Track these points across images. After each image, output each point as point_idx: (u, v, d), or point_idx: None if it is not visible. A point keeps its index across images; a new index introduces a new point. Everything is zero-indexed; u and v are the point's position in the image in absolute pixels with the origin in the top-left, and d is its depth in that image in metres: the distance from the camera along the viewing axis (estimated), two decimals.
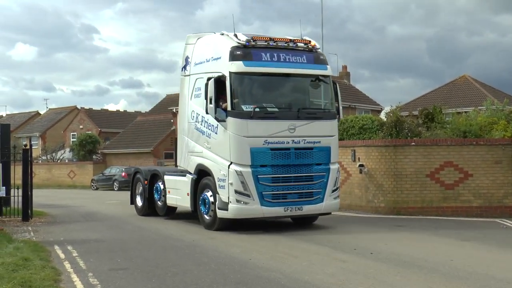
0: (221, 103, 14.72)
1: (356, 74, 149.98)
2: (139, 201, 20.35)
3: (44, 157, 60.95)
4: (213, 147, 15.15)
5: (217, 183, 14.87)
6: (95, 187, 45.25)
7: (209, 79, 14.79)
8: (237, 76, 14.56)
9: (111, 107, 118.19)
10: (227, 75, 14.51)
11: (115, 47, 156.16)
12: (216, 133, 14.98)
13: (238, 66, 14.56)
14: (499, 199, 19.38)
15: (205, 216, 15.70)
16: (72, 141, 61.73)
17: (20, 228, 17.04)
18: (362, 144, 20.98)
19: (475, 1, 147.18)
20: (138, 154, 51.69)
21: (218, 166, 14.83)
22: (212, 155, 15.16)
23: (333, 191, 15.43)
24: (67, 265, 11.04)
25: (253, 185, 14.29)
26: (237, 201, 14.33)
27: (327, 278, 9.50)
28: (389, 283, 9.14)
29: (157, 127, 54.19)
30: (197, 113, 16.04)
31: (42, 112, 79.80)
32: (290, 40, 15.38)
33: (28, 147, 19.89)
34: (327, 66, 15.87)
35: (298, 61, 15.21)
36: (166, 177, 18.25)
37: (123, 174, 42.91)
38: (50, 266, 10.67)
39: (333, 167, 15.47)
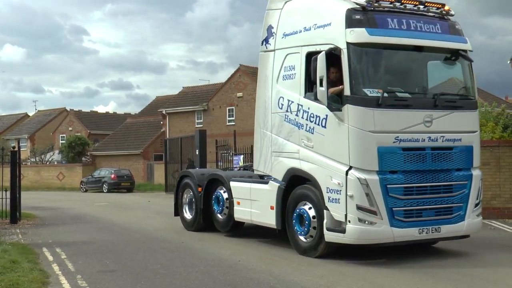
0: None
1: None
2: (187, 213, 16.27)
3: (33, 159, 60.65)
4: (317, 145, 11.24)
5: (325, 194, 10.92)
6: (84, 189, 45.07)
7: (310, 54, 11.41)
8: (358, 48, 10.81)
9: (101, 109, 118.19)
10: (343, 47, 10.72)
11: (105, 49, 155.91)
12: (323, 126, 11.08)
13: (360, 35, 10.76)
14: (487, 200, 19.40)
15: (301, 237, 11.70)
16: (61, 143, 61.50)
17: (8, 230, 16.93)
18: None
19: (464, 3, 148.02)
20: (127, 156, 51.56)
21: (328, 171, 10.94)
22: (317, 156, 11.23)
23: (476, 205, 11.65)
24: (56, 267, 10.98)
25: (381, 198, 10.53)
26: (360, 220, 10.48)
27: (316, 279, 9.50)
28: (378, 283, 9.15)
29: (147, 129, 54.10)
30: (289, 100, 12.06)
31: (31, 114, 79.50)
32: (420, 2, 11.60)
33: (16, 149, 19.79)
34: (466, 38, 11.99)
35: (431, 30, 11.52)
36: (233, 184, 14.10)
37: (113, 176, 42.82)
38: (38, 269, 10.60)
39: (476, 173, 11.68)
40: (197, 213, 15.63)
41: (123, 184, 43.10)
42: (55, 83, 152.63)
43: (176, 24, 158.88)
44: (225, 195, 14.50)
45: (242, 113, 45.40)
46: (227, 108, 46.49)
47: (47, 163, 58.42)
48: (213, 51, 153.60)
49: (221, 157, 28.75)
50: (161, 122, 52.55)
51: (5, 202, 19.04)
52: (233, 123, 45.17)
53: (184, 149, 36.34)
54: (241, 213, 13.76)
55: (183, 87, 55.08)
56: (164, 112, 51.35)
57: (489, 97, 47.31)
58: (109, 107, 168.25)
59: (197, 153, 32.25)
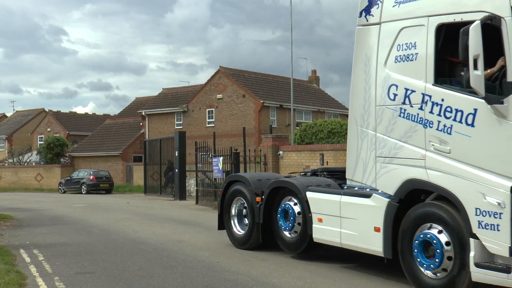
0: (461, 72, 8.28)
1: (326, 78, 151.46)
2: (237, 227, 13.37)
3: (10, 160, 60.10)
4: (459, 150, 8.30)
5: (472, 217, 7.92)
6: (62, 191, 44.76)
7: (443, 26, 8.62)
8: None
9: (80, 110, 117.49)
10: (507, 15, 7.74)
11: (84, 49, 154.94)
12: (470, 124, 8.16)
13: None
14: None
15: (427, 272, 8.57)
16: (40, 144, 61.02)
17: None
18: (331, 148, 21.17)
19: None
20: (106, 157, 51.31)
21: (477, 186, 7.95)
22: (457, 164, 8.25)
23: None
24: (33, 269, 10.92)
25: None
26: None
27: (294, 281, 9.56)
28: (355, 285, 9.24)
29: (126, 130, 53.88)
30: (406, 89, 9.12)
31: (8, 114, 78.77)
32: None
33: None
34: None
35: None
36: (312, 195, 11.03)
37: (91, 177, 42.59)
38: (15, 270, 10.54)
39: None
40: (253, 229, 12.64)
41: (101, 186, 42.90)
42: (33, 83, 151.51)
43: (156, 25, 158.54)
44: (297, 209, 11.45)
45: (221, 115, 45.43)
46: (207, 110, 46.48)
47: (25, 164, 57.93)
48: (193, 53, 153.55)
49: (200, 158, 28.76)
50: (141, 124, 52.38)
51: None
52: (213, 125, 45.18)
53: (164, 150, 36.31)
54: (324, 233, 10.73)
55: (162, 89, 54.96)
56: (143, 114, 51.19)
57: None
58: (88, 108, 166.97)
59: (176, 154, 32.33)
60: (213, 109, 46.09)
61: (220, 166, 25.17)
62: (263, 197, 12.32)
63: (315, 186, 11.25)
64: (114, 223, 19.03)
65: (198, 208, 25.73)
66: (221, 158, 25.23)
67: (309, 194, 11.06)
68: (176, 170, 31.97)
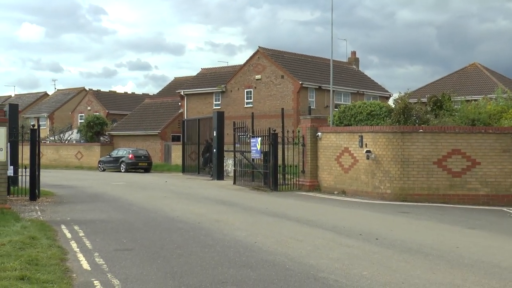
0: None
1: (365, 60, 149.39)
2: None
3: (51, 138, 61.11)
4: None
5: None
6: (102, 169, 45.41)
7: None
8: None
9: (119, 89, 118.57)
10: None
11: (123, 29, 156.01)
12: None
13: None
14: (507, 187, 19.32)
15: None
16: (80, 123, 61.83)
17: (28, 207, 17.14)
18: (370, 130, 20.93)
19: None
20: (145, 137, 51.77)
21: None
22: None
23: None
24: (74, 244, 11.11)
25: None
26: None
27: (331, 262, 9.51)
28: (393, 268, 9.14)
29: (165, 110, 54.20)
30: None
31: (50, 93, 79.94)
32: None
33: (36, 127, 19.95)
34: None
35: None
36: None
37: (130, 156, 43.09)
38: (57, 245, 10.74)
39: None
40: None
41: (140, 164, 43.36)
42: (74, 62, 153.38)
43: (194, 5, 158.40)
44: None
45: (260, 96, 45.32)
46: (245, 90, 46.39)
47: (66, 142, 58.86)
48: (231, 33, 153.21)
49: (238, 139, 28.79)
50: (179, 103, 52.60)
51: (24, 179, 19.27)
52: (251, 105, 45.10)
53: (202, 130, 36.45)
54: None
55: (201, 69, 55.03)
56: (182, 93, 51.36)
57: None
58: (128, 87, 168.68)
59: (214, 134, 32.43)
60: (252, 90, 45.99)
61: (258, 146, 25.15)
62: None
63: None
64: (153, 201, 19.21)
65: (236, 188, 25.81)
66: (259, 138, 25.20)
67: None
68: (214, 150, 32.09)
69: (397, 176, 19.69)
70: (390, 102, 37.74)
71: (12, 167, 18.08)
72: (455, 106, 25.92)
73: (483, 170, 19.32)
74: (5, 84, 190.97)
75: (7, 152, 15.59)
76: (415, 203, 18.85)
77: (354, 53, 56.27)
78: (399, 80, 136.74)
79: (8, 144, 17.58)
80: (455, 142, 19.44)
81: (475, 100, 29.52)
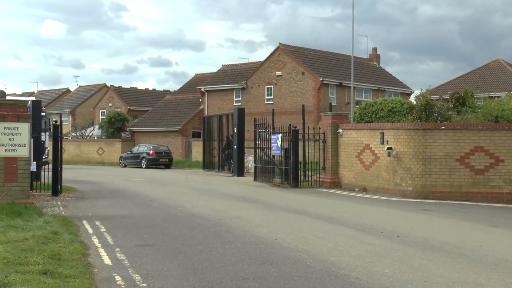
0: None
1: (386, 57, 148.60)
2: None
3: (73, 134, 61.61)
4: None
5: None
6: (123, 164, 45.70)
7: None
8: None
9: (140, 85, 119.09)
10: None
11: (144, 25, 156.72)
12: None
13: None
14: None
15: None
16: (101, 119, 62.28)
17: (50, 202, 17.29)
18: (391, 127, 20.78)
19: None
20: (166, 133, 51.97)
21: None
22: None
23: None
24: (95, 240, 11.18)
25: None
26: None
27: (352, 260, 9.46)
28: (415, 267, 9.07)
29: (186, 106, 54.35)
30: None
31: (72, 89, 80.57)
32: None
33: (58, 123, 20.10)
34: None
35: None
36: None
37: (151, 152, 43.29)
38: (79, 240, 10.81)
39: None
40: None
41: (161, 160, 43.54)
42: (95, 59, 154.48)
43: (214, 1, 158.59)
44: None
45: (280, 92, 45.24)
46: (266, 87, 46.35)
47: (88, 137, 59.31)
48: (251, 29, 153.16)
49: (259, 135, 28.76)
50: (200, 100, 52.70)
51: (47, 174, 19.44)
52: (272, 102, 45.03)
53: (223, 126, 36.49)
54: None
55: (222, 65, 55.07)
56: (203, 90, 51.45)
57: None
58: (148, 84, 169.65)
59: (235, 131, 32.44)
60: (272, 86, 45.93)
61: (279, 143, 25.11)
62: None
63: None
64: (173, 197, 19.28)
65: (256, 184, 25.80)
66: (280, 135, 25.16)
67: None
68: (235, 146, 32.10)
69: (418, 173, 19.54)
70: (412, 98, 37.46)
71: (35, 162, 18.24)
72: (478, 103, 25.61)
73: (506, 167, 19.10)
74: (28, 81, 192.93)
75: (30, 147, 15.71)
76: (437, 201, 18.69)
77: (375, 49, 55.96)
78: (420, 76, 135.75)
79: (31, 140, 17.76)
80: (478, 139, 19.24)
81: (498, 96, 29.16)
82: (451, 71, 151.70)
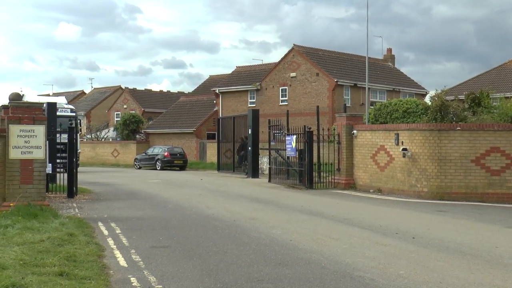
0: None
1: (401, 57, 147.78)
2: None
3: (88, 136, 61.99)
4: None
5: None
6: (138, 166, 45.89)
7: None
8: None
9: (154, 87, 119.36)
10: None
11: (158, 27, 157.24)
12: None
13: None
14: None
15: None
16: (116, 121, 62.59)
17: (65, 204, 17.39)
18: (406, 127, 20.70)
19: None
20: (180, 135, 52.12)
21: None
22: None
23: None
24: (110, 241, 11.23)
25: None
26: None
27: (367, 261, 9.43)
28: (431, 268, 9.02)
29: (200, 108, 54.48)
30: None
31: (87, 91, 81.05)
32: None
33: (73, 125, 20.22)
34: None
35: None
36: None
37: (166, 153, 43.43)
38: (94, 242, 10.87)
39: None
40: None
41: (176, 162, 43.67)
42: (110, 61, 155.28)
43: (228, 3, 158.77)
44: None
45: (295, 93, 45.22)
46: (280, 88, 46.34)
47: (102, 139, 59.63)
48: (265, 31, 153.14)
49: (273, 136, 28.77)
50: (214, 101, 52.80)
51: (62, 176, 19.56)
52: (286, 103, 45.02)
53: (237, 128, 36.52)
54: None
55: (236, 67, 55.16)
56: (217, 91, 51.54)
57: None
58: (163, 86, 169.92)
59: (249, 132, 32.46)
60: (286, 88, 45.92)
61: (294, 144, 25.09)
62: None
63: None
64: (188, 199, 19.32)
65: (271, 186, 25.80)
66: (295, 136, 25.14)
67: None
68: (249, 148, 32.12)
69: (434, 174, 19.45)
70: (427, 99, 37.27)
71: (50, 164, 18.36)
72: (494, 103, 25.45)
73: None
74: (43, 83, 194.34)
75: (45, 149, 15.81)
76: (453, 202, 18.59)
77: (389, 50, 55.78)
78: (435, 77, 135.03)
79: (47, 142, 17.88)
80: (494, 140, 19.12)
81: None
82: (467, 71, 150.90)
